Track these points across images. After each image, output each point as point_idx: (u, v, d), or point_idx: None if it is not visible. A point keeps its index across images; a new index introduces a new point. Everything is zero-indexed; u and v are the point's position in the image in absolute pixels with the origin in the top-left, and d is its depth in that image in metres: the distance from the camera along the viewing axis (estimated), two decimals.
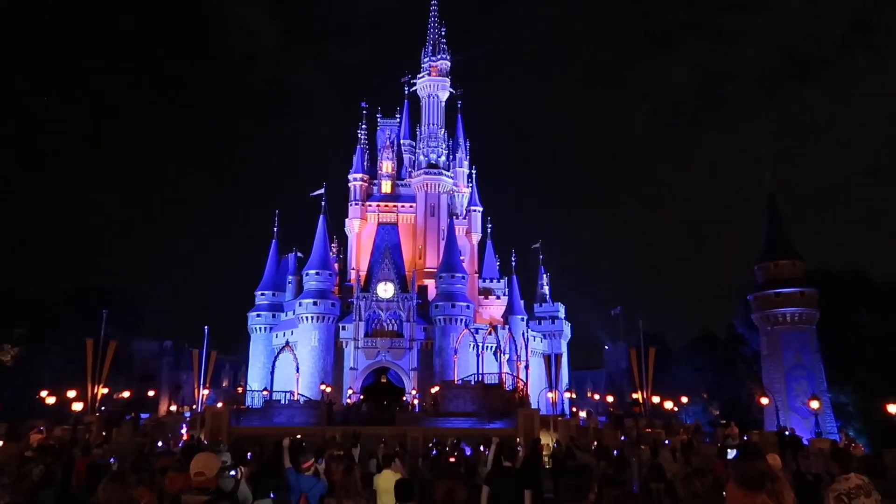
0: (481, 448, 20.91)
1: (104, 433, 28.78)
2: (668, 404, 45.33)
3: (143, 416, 44.85)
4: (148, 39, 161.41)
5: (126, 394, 52.71)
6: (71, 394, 35.20)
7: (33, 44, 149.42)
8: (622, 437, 29.92)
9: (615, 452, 19.15)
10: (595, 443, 25.44)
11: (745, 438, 26.30)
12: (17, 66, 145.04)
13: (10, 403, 46.68)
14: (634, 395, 44.29)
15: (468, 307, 57.28)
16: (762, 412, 45.84)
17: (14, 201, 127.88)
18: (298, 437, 23.91)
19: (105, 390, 38.84)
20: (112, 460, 16.89)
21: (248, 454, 16.44)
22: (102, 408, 39.71)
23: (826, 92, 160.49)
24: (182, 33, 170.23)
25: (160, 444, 26.55)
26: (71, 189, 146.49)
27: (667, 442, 24.33)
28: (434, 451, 19.52)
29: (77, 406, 34.00)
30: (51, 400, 37.65)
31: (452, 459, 13.79)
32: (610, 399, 61.16)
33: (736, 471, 4.74)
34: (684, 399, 51.37)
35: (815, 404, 33.51)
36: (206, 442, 24.30)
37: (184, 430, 31.64)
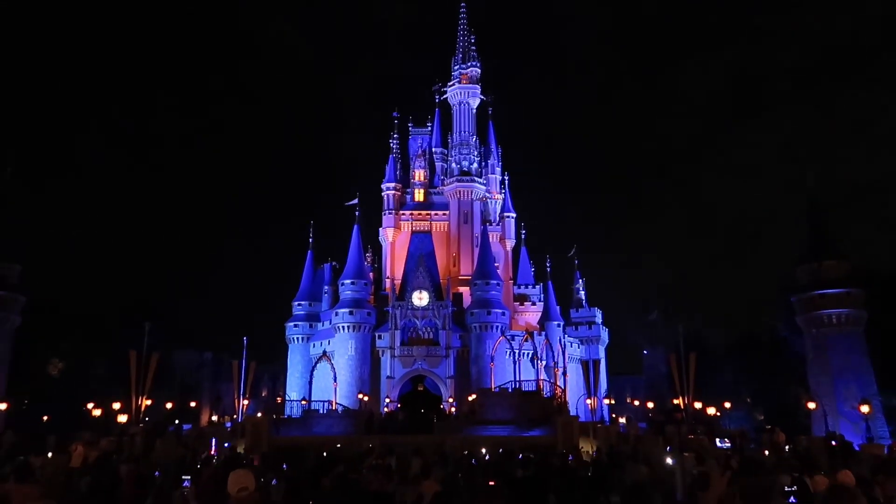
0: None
1: (148, 444, 29.28)
2: (711, 410, 44.36)
3: (185, 426, 45.57)
4: (182, 55, 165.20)
5: (168, 405, 53.66)
6: (116, 406, 35.98)
7: (76, 67, 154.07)
8: (668, 448, 29.30)
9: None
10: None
11: (786, 446, 25.54)
12: (63, 86, 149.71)
13: (58, 416, 47.94)
14: (675, 401, 43.47)
15: (504, 314, 57.03)
16: (809, 417, 44.57)
17: (56, 216, 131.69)
18: (338, 445, 23.99)
19: (149, 402, 39.60)
20: (157, 473, 17.13)
21: (284, 465, 16.47)
22: (146, 419, 40.47)
23: (867, 88, 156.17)
24: (216, 49, 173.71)
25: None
26: (111, 202, 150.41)
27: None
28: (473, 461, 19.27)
29: (122, 418, 34.70)
30: (97, 412, 38.51)
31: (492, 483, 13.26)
32: (650, 405, 60.20)
33: (739, 486, 4.53)
34: (727, 404, 50.25)
35: (865, 409, 32.46)
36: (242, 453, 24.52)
37: (213, 442, 31.97)
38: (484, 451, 24.66)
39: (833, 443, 24.58)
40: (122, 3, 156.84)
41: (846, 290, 47.06)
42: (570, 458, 18.33)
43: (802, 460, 15.57)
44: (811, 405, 38.22)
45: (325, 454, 21.00)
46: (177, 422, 45.77)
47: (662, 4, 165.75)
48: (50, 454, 23.73)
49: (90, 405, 39.91)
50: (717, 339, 68.33)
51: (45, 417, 48.96)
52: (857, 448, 25.97)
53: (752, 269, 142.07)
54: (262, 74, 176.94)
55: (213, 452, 27.57)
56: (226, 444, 31.60)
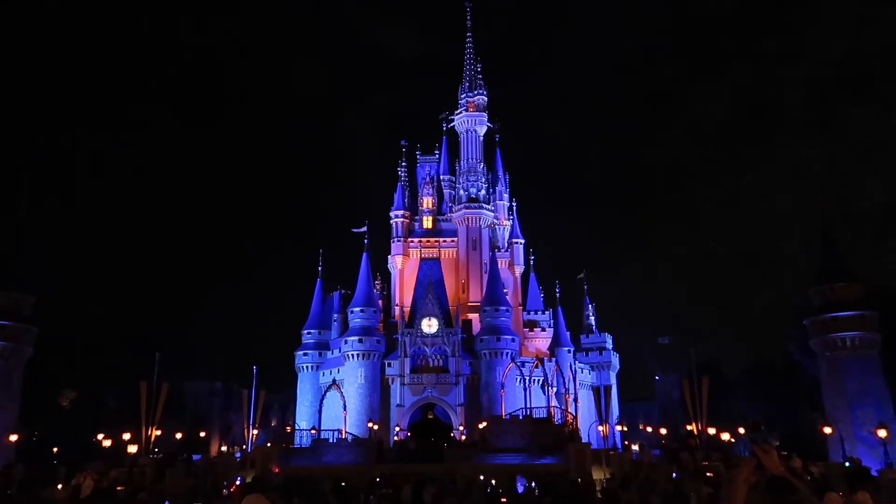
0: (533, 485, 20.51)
1: (158, 475, 29.24)
2: (725, 436, 43.83)
3: (195, 457, 45.40)
4: (195, 86, 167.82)
5: (179, 435, 53.55)
6: (126, 436, 35.97)
7: (97, 98, 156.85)
8: (674, 474, 28.93)
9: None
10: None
11: (801, 472, 25.08)
12: (73, 118, 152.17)
13: (69, 447, 47.89)
14: (689, 427, 43.00)
15: (513, 340, 56.77)
16: (826, 442, 43.91)
17: (67, 247, 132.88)
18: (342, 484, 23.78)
19: (159, 432, 39.56)
20: (166, 503, 17.10)
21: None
22: (156, 450, 40.39)
23: (877, 110, 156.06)
24: (234, 79, 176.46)
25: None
26: (122, 233, 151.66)
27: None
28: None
29: (132, 448, 34.68)
30: (107, 443, 38.49)
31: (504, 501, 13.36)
32: (663, 431, 59.49)
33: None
34: (741, 430, 49.62)
35: (882, 433, 32.00)
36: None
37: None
38: (494, 481, 24.41)
39: (847, 465, 24.20)
40: (138, 45, 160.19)
41: (860, 313, 46.60)
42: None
43: (819, 485, 15.33)
44: (827, 430, 37.67)
45: (342, 483, 20.84)
46: (185, 454, 45.64)
47: (670, 28, 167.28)
48: (60, 486, 23.70)
49: (101, 436, 39.91)
50: (729, 363, 67.72)
51: (56, 449, 48.93)
52: (875, 474, 25.49)
53: (765, 292, 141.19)
54: (272, 103, 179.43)
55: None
56: (237, 480, 31.42)
